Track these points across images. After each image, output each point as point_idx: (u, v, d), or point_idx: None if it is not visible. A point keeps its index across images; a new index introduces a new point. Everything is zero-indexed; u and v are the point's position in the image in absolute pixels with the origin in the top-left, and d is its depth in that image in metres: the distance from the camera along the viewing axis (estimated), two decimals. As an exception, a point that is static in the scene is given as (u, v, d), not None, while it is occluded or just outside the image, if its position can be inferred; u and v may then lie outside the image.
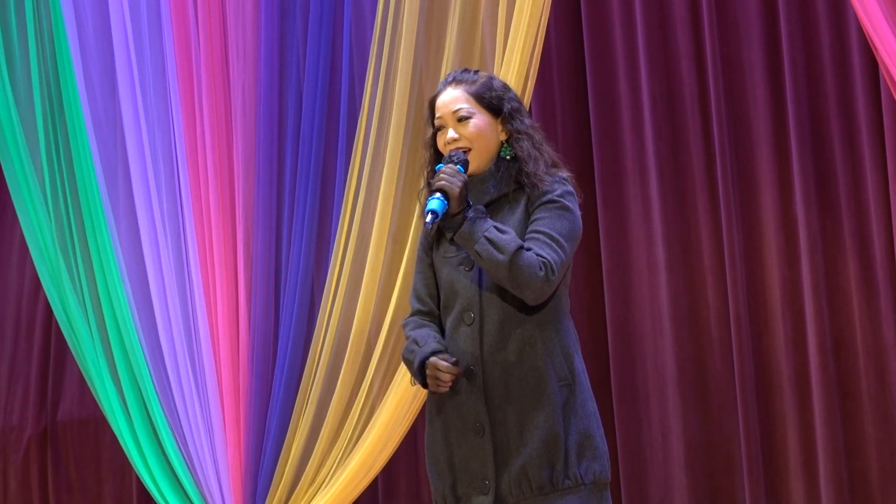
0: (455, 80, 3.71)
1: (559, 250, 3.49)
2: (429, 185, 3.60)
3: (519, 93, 5.10)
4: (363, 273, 5.62)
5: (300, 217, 5.89)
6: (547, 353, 3.51)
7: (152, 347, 5.95)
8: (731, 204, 5.44)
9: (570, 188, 3.61)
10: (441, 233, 3.68)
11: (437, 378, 3.50)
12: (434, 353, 3.55)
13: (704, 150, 5.58)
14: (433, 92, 3.84)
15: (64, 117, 6.12)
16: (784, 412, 5.36)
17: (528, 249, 3.45)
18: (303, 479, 5.71)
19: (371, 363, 5.61)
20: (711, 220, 5.54)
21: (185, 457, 5.90)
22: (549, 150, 3.70)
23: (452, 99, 3.68)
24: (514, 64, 5.21)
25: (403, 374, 5.40)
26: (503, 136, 3.67)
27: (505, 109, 3.68)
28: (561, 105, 5.86)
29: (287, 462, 5.74)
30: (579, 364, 3.57)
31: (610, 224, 5.69)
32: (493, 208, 3.61)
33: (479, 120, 3.66)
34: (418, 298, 3.75)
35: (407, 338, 3.72)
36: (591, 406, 3.55)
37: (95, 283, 6.02)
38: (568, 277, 3.63)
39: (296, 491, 5.73)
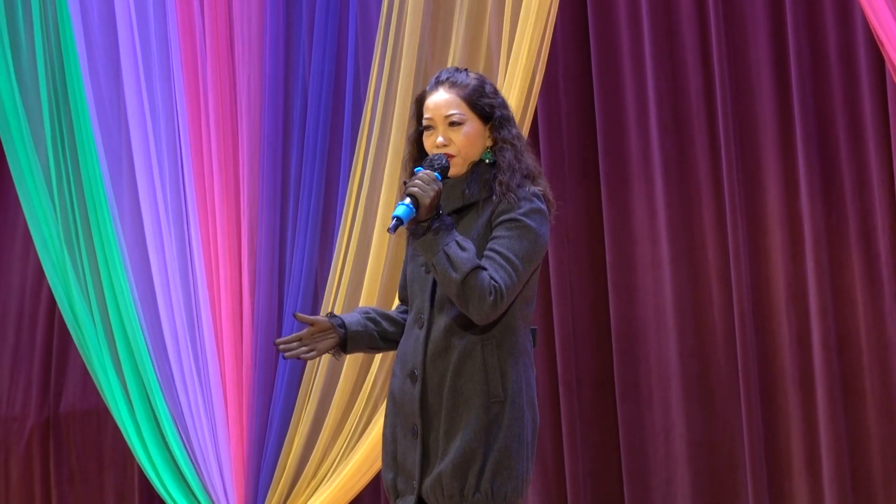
0: (448, 82, 3.66)
1: (513, 274, 3.48)
2: (404, 184, 3.54)
3: (526, 89, 5.19)
4: (367, 265, 5.63)
5: (304, 209, 5.92)
6: (483, 368, 3.53)
7: (155, 339, 5.97)
8: (735, 200, 5.44)
9: (538, 205, 3.58)
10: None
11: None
12: (333, 317, 3.66)
13: (710, 146, 5.58)
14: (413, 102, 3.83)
15: (69, 107, 6.13)
16: (788, 409, 5.37)
17: (484, 269, 3.46)
18: (305, 472, 5.73)
19: (375, 357, 5.62)
20: (716, 216, 5.54)
21: (188, 448, 5.92)
22: (529, 161, 3.67)
23: (445, 102, 3.64)
24: (522, 60, 5.23)
25: None
26: (488, 143, 3.66)
27: (495, 116, 3.66)
28: (566, 100, 5.85)
29: (289, 455, 5.76)
30: (517, 383, 3.56)
31: (614, 219, 5.70)
32: (461, 212, 3.62)
33: (470, 128, 3.64)
34: (402, 272, 3.83)
35: None
36: (518, 427, 3.54)
37: (99, 273, 6.04)
38: (528, 293, 3.61)
39: (298, 484, 5.76)
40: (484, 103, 3.64)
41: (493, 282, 3.44)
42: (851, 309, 5.30)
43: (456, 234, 3.49)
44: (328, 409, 5.68)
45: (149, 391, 5.97)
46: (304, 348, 3.60)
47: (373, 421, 5.56)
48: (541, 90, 5.42)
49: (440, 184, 3.49)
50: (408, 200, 3.44)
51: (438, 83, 3.66)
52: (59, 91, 6.15)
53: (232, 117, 5.99)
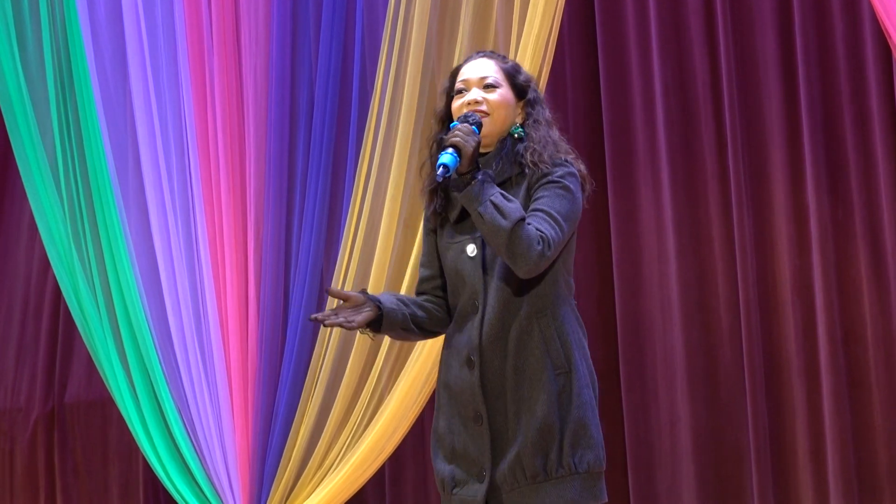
0: (487, 54, 3.73)
1: (557, 228, 3.47)
2: (440, 141, 3.58)
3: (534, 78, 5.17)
4: (373, 257, 5.62)
5: (311, 201, 5.91)
6: (543, 341, 3.50)
7: (161, 330, 5.98)
8: (742, 193, 5.45)
9: (574, 170, 3.59)
10: (443, 217, 3.70)
11: None
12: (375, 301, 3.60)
13: (716, 139, 5.58)
14: (443, 78, 3.87)
15: (75, 100, 6.15)
16: (793, 402, 5.36)
17: (528, 224, 3.45)
18: (310, 464, 5.73)
19: (381, 350, 5.62)
20: (722, 209, 5.54)
21: (193, 440, 5.93)
22: (563, 144, 3.70)
23: (483, 67, 3.68)
24: (529, 51, 5.23)
25: (414, 362, 5.47)
26: (519, 119, 3.67)
27: (530, 95, 3.70)
28: (573, 93, 5.86)
29: (294, 447, 5.77)
30: (577, 352, 3.55)
31: (620, 212, 5.69)
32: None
33: (505, 92, 3.66)
34: (422, 265, 3.79)
35: None
36: (588, 394, 3.54)
37: (105, 264, 6.06)
38: (569, 262, 3.62)
39: (303, 476, 5.76)
40: (520, 79, 3.68)
41: (539, 232, 3.42)
42: (857, 303, 5.29)
43: (498, 188, 3.47)
44: (334, 400, 5.69)
45: (154, 382, 5.98)
46: (342, 318, 3.52)
47: (378, 413, 5.57)
48: (548, 82, 5.40)
49: (478, 137, 3.48)
50: (451, 150, 3.42)
51: (477, 55, 3.72)
52: (66, 84, 6.17)
53: (238, 109, 6.00)
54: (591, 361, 3.60)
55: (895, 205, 5.23)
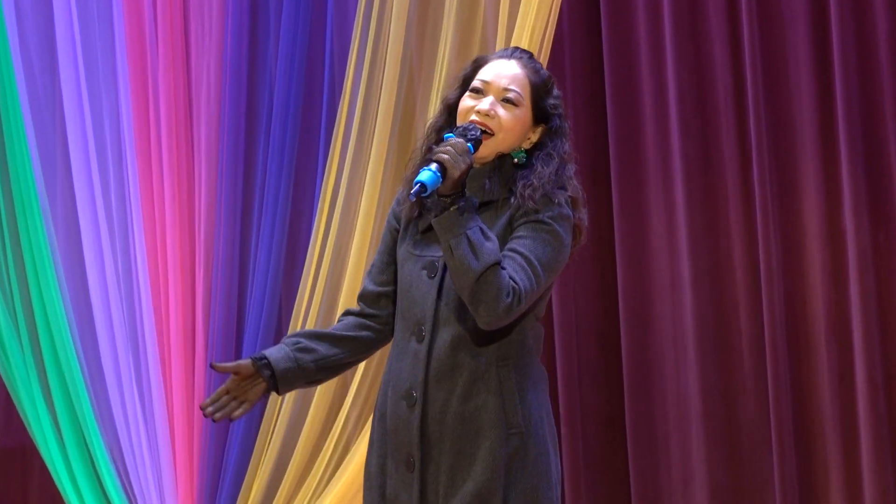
0: (524, 60, 3.59)
1: (533, 279, 3.36)
2: (430, 149, 3.47)
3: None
4: (342, 283, 5.59)
5: (270, 218, 5.87)
6: (500, 393, 3.40)
7: (92, 366, 5.92)
8: (768, 213, 5.35)
9: (567, 212, 3.47)
10: (413, 224, 3.59)
11: None
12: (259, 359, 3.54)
13: (739, 150, 5.49)
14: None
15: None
16: (827, 456, 5.28)
17: (503, 269, 3.33)
18: (264, 525, 5.74)
19: (349, 391, 5.55)
20: (745, 231, 5.46)
21: (128, 494, 5.87)
22: (573, 183, 3.55)
23: (512, 75, 3.53)
24: (523, 45, 5.06)
25: None
26: (526, 145, 3.55)
27: (553, 123, 3.57)
28: (573, 95, 5.74)
29: (247, 504, 5.75)
30: (538, 412, 3.45)
31: (628, 235, 5.62)
32: (479, 211, 3.50)
33: (522, 114, 3.53)
34: (372, 267, 3.69)
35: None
36: (545, 462, 3.43)
37: (28, 290, 6.00)
38: (540, 309, 3.53)
39: (255, 539, 5.79)
40: (548, 103, 3.57)
41: (512, 282, 3.33)
42: (901, 340, 5.29)
43: (479, 219, 3.38)
44: (292, 451, 5.62)
45: (83, 428, 5.89)
46: (233, 403, 3.49)
47: (343, 465, 5.51)
48: None
49: (471, 157, 3.38)
50: (435, 167, 3.31)
51: (512, 55, 3.61)
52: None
53: (186, 114, 5.98)
54: (555, 429, 3.53)
55: (946, 227, 5.24)
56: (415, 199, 3.32)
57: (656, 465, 5.49)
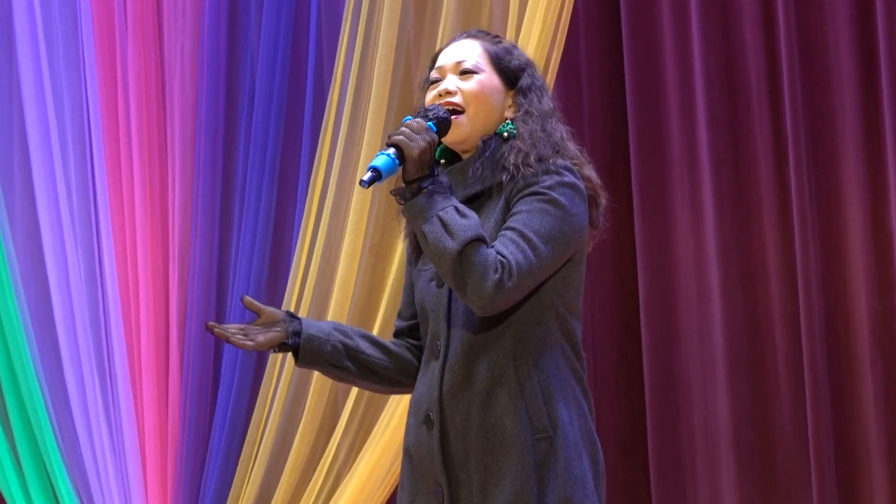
0: (472, 35, 3.55)
1: (528, 251, 3.23)
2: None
3: (541, 68, 4.99)
4: (331, 294, 5.53)
5: (251, 221, 5.81)
6: (521, 395, 3.28)
7: (55, 388, 5.86)
8: (806, 217, 5.20)
9: (570, 178, 3.34)
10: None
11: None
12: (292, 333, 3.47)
13: (773, 147, 5.34)
14: (423, 68, 3.96)
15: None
16: (872, 491, 5.09)
17: (490, 246, 3.25)
18: (243, 566, 5.82)
19: (340, 420, 5.46)
20: (781, 237, 5.31)
21: None
22: (567, 143, 3.45)
23: (462, 49, 3.48)
24: (535, 34, 5.07)
25: (383, 430, 5.39)
26: (509, 114, 3.45)
27: (522, 83, 3.47)
28: (589, 88, 5.68)
29: (225, 543, 5.84)
30: (567, 412, 3.32)
31: (650, 241, 5.50)
32: (470, 204, 3.40)
33: (486, 79, 3.44)
34: (399, 315, 3.65)
35: None
36: (579, 468, 3.30)
37: None
38: (569, 299, 3.39)
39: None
40: (512, 64, 3.49)
41: (500, 257, 3.23)
42: (957, 362, 5.20)
43: (455, 199, 3.31)
44: (277, 481, 5.53)
45: (44, 455, 5.83)
46: (240, 335, 3.39)
47: (334, 496, 5.43)
48: (558, 73, 5.27)
49: (434, 135, 3.30)
50: (391, 151, 3.26)
51: (461, 36, 3.58)
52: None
53: (159, 104, 5.98)
54: (592, 426, 3.40)
55: None
56: (367, 187, 3.23)
57: (682, 500, 5.39)
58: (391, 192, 3.36)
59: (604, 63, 5.69)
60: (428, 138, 3.26)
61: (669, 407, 5.41)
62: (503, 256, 3.21)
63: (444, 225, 3.22)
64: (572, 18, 5.23)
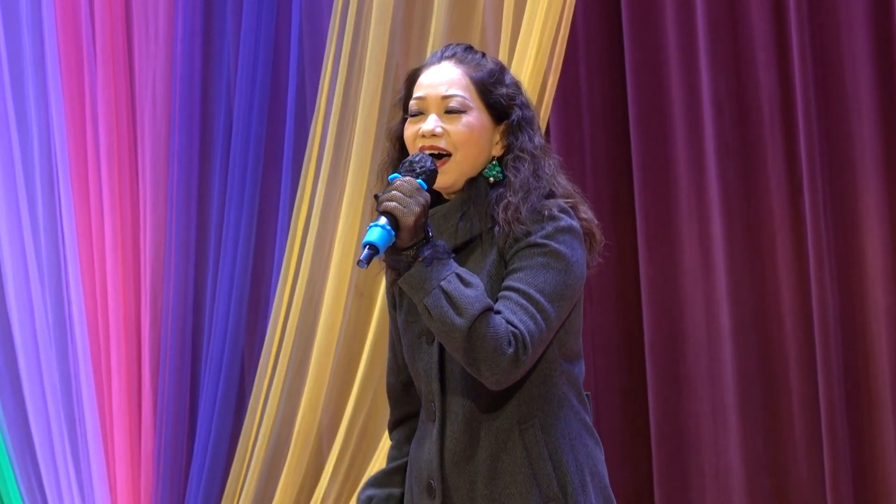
0: (456, 58, 3.37)
1: (537, 316, 3.13)
2: (376, 198, 3.29)
3: (537, 92, 5.06)
4: (314, 337, 5.50)
5: (229, 259, 5.79)
6: (528, 462, 3.20)
7: (19, 437, 5.89)
8: (822, 244, 5.12)
9: (567, 222, 3.25)
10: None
11: None
12: None
13: (787, 170, 5.27)
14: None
15: None
16: None
17: (498, 313, 3.14)
18: None
19: (325, 470, 5.42)
20: (796, 270, 5.23)
21: None
22: (562, 183, 3.35)
23: (448, 79, 3.32)
24: (531, 53, 5.05)
25: None
26: (497, 151, 3.32)
27: (513, 117, 3.34)
28: (589, 109, 5.63)
29: None
30: (578, 475, 3.23)
31: (655, 270, 5.43)
32: (458, 252, 3.30)
33: (475, 119, 3.30)
34: (389, 369, 3.53)
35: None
36: None
37: None
38: (569, 344, 3.29)
39: None
40: (500, 94, 3.35)
41: (511, 328, 3.12)
42: None
43: (455, 264, 3.17)
44: None
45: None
46: None
47: None
48: (556, 88, 5.25)
49: (426, 195, 3.17)
50: (383, 220, 3.12)
51: (443, 57, 3.41)
52: None
53: (129, 131, 5.95)
54: (606, 482, 3.31)
55: None
56: (366, 266, 3.08)
57: (690, 534, 5.53)
58: (385, 261, 3.25)
59: (604, 83, 5.64)
60: (421, 200, 3.14)
61: (678, 454, 5.34)
62: (514, 327, 3.12)
63: (449, 298, 3.12)
64: (571, 39, 5.23)
